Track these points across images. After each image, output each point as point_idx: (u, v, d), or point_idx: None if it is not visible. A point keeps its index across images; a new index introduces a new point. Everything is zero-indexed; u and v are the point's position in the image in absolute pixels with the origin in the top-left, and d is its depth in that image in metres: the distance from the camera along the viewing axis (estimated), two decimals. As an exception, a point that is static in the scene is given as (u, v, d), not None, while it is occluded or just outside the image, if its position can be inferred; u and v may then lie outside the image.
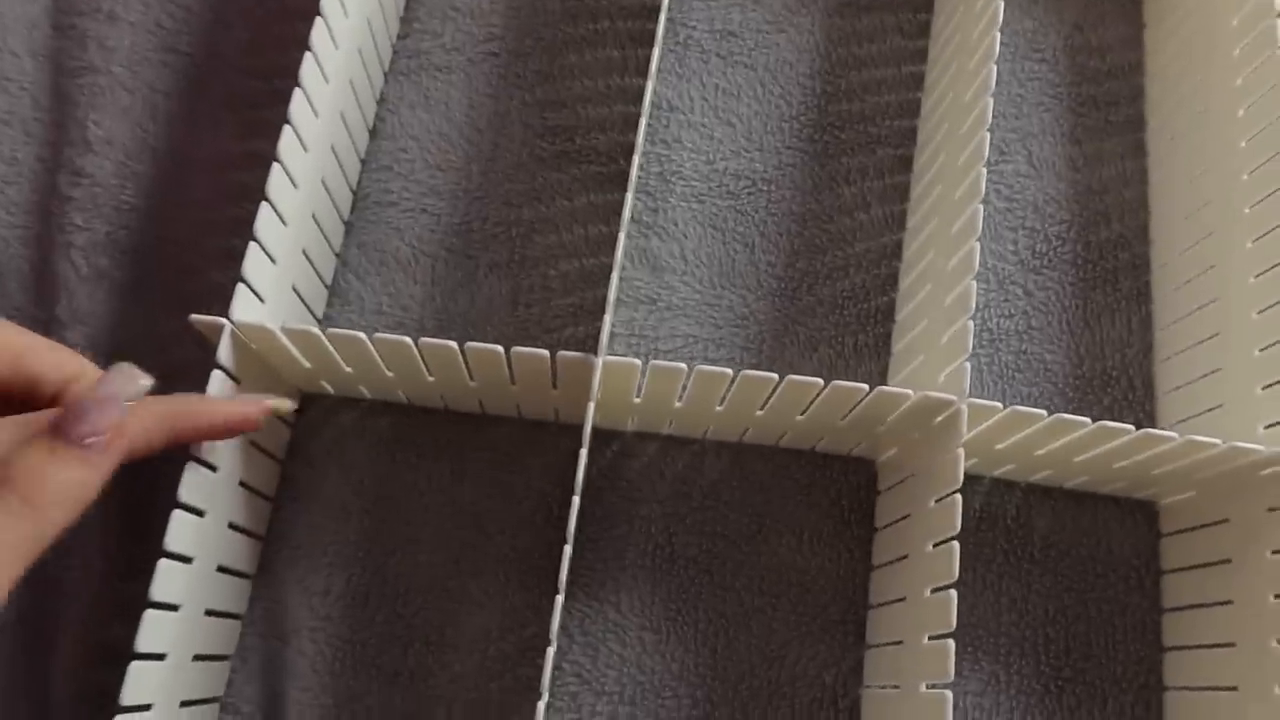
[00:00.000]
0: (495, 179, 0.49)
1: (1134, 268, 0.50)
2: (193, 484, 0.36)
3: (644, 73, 0.51)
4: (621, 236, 0.39)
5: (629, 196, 0.40)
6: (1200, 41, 0.50)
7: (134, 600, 0.42)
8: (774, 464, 0.46)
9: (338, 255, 0.48)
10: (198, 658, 0.39)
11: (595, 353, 0.38)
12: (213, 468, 0.38)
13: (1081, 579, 0.46)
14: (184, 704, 0.39)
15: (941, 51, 0.51)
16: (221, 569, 0.40)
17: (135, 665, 0.34)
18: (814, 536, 0.45)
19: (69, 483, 0.29)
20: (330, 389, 0.45)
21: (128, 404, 0.31)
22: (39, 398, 0.32)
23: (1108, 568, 0.46)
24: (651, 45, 0.51)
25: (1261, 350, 0.42)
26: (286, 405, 0.38)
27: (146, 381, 0.31)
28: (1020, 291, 0.49)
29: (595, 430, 0.44)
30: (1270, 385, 0.41)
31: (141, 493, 0.43)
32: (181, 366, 0.45)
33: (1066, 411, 0.39)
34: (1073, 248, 0.50)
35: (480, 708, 0.42)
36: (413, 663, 0.43)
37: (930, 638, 0.37)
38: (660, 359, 0.44)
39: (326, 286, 0.47)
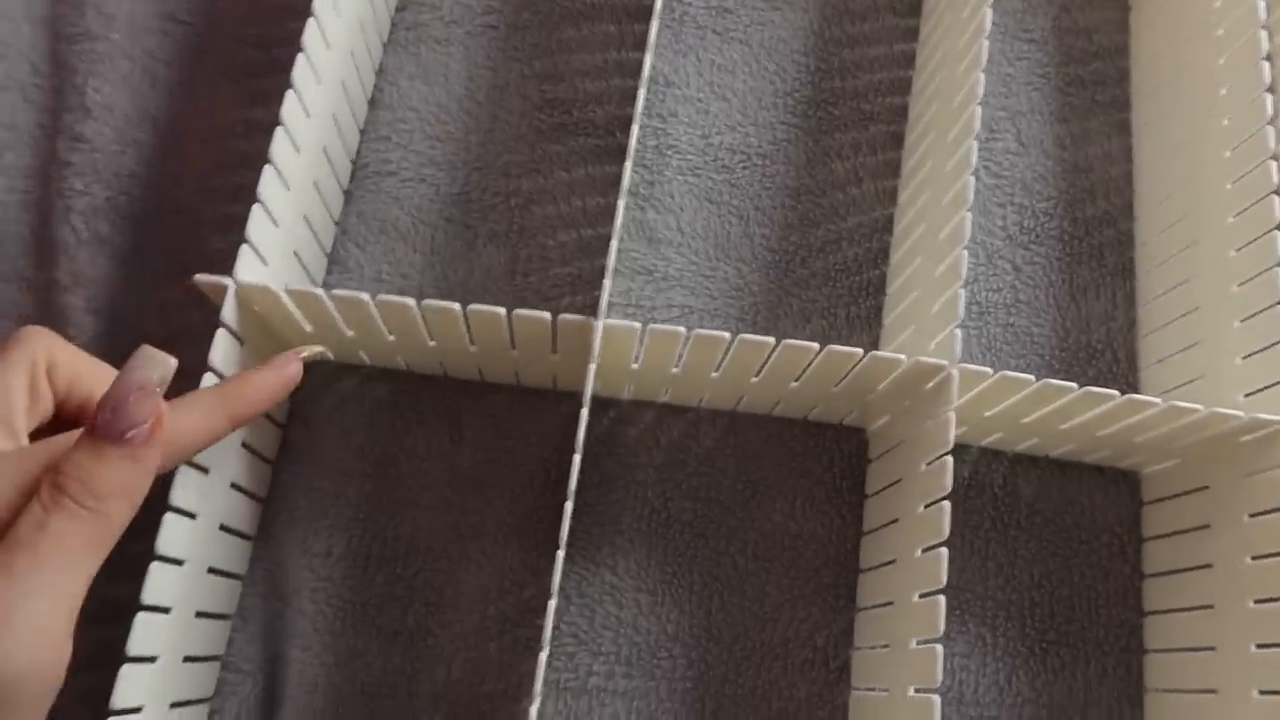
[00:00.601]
0: (494, 150, 0.50)
1: (1118, 244, 0.52)
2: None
3: (640, 47, 0.52)
4: (621, 204, 0.40)
5: (628, 166, 0.41)
6: (1184, 23, 0.51)
7: (139, 558, 0.43)
8: (767, 432, 0.47)
9: (337, 224, 0.48)
10: (200, 614, 0.40)
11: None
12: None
13: (1066, 545, 0.47)
14: (187, 659, 0.39)
15: (933, 30, 0.52)
16: (224, 528, 0.41)
17: (141, 617, 0.35)
18: (806, 503, 0.46)
19: (118, 480, 0.29)
20: (330, 355, 0.46)
21: (169, 398, 0.31)
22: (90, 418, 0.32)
23: (1091, 535, 0.47)
24: (648, 20, 0.52)
25: (1241, 321, 0.43)
26: (318, 349, 0.38)
27: (173, 362, 0.30)
28: (1008, 266, 0.50)
29: (594, 397, 0.45)
30: (1250, 355, 0.43)
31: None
32: (182, 330, 0.45)
33: (1053, 380, 0.40)
34: (1059, 224, 0.51)
35: (479, 666, 0.43)
36: (412, 622, 0.43)
37: (920, 596, 0.38)
38: (657, 327, 0.45)
39: (326, 254, 0.48)
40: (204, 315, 0.45)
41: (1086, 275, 0.51)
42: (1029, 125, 0.53)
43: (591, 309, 0.48)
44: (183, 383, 0.37)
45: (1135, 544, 0.47)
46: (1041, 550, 0.47)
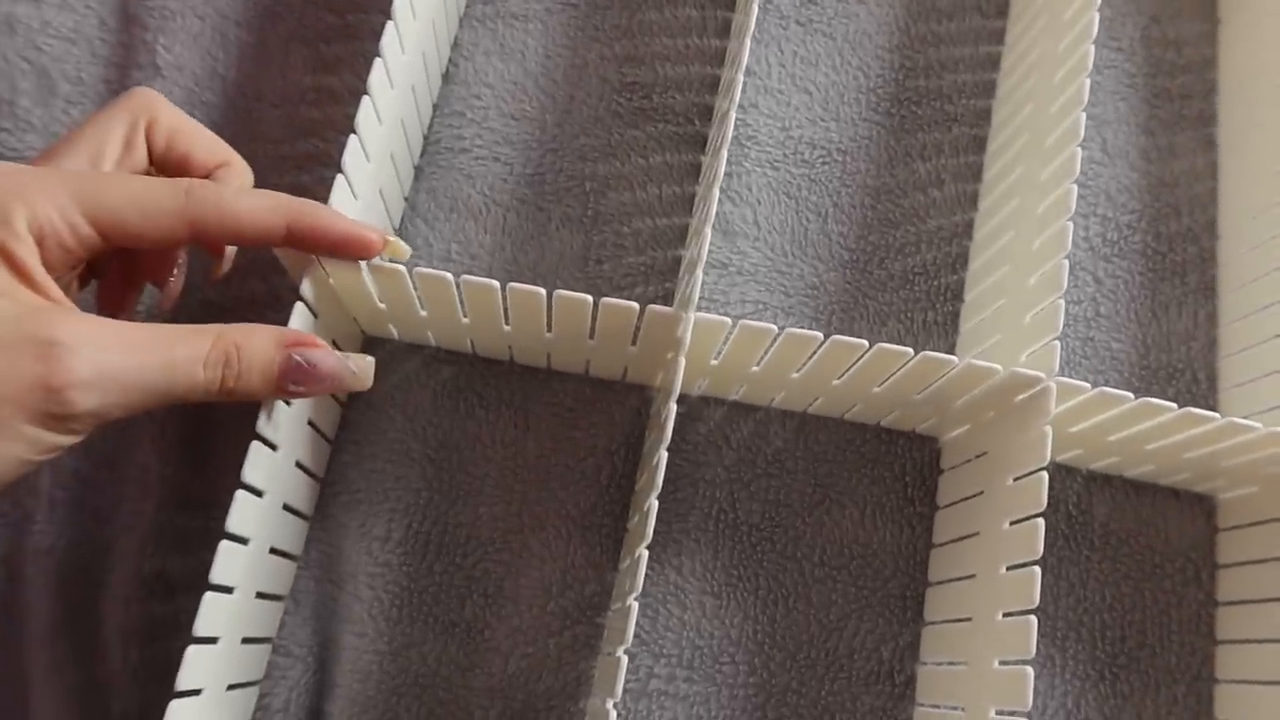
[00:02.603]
0: (570, 131, 0.48)
1: (1201, 262, 0.50)
2: (268, 421, 0.35)
3: (724, 34, 0.51)
4: (714, 192, 0.39)
5: (723, 155, 0.39)
6: (1274, 39, 0.50)
7: (187, 532, 0.42)
8: (838, 436, 0.46)
9: (406, 199, 0.47)
10: (260, 595, 0.38)
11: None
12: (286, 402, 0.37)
13: (1139, 568, 0.46)
14: (245, 640, 0.38)
15: (1023, 33, 0.51)
16: (286, 507, 0.39)
17: (209, 597, 0.33)
18: (876, 511, 0.45)
19: (246, 395, 0.32)
20: (396, 333, 0.45)
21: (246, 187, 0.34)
22: (191, 173, 0.35)
23: (1165, 559, 0.46)
24: (731, 6, 0.51)
25: (1336, 349, 0.42)
26: (404, 249, 0.37)
27: (368, 382, 0.34)
28: (1090, 278, 0.49)
29: (658, 391, 0.44)
30: (1346, 384, 0.41)
31: (198, 426, 0.43)
32: (247, 298, 0.44)
33: (1137, 400, 0.39)
34: (1143, 238, 0.50)
35: (536, 663, 0.42)
36: (469, 614, 0.42)
37: (1005, 614, 0.37)
38: (734, 323, 0.44)
39: (395, 230, 0.46)
40: (267, 285, 0.44)
41: (1169, 292, 0.49)
42: (1115, 135, 0.52)
43: (665, 299, 0.46)
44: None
45: (1209, 570, 0.46)
46: (1114, 572, 0.45)
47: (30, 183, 0.29)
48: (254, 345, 0.32)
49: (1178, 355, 0.48)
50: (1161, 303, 0.49)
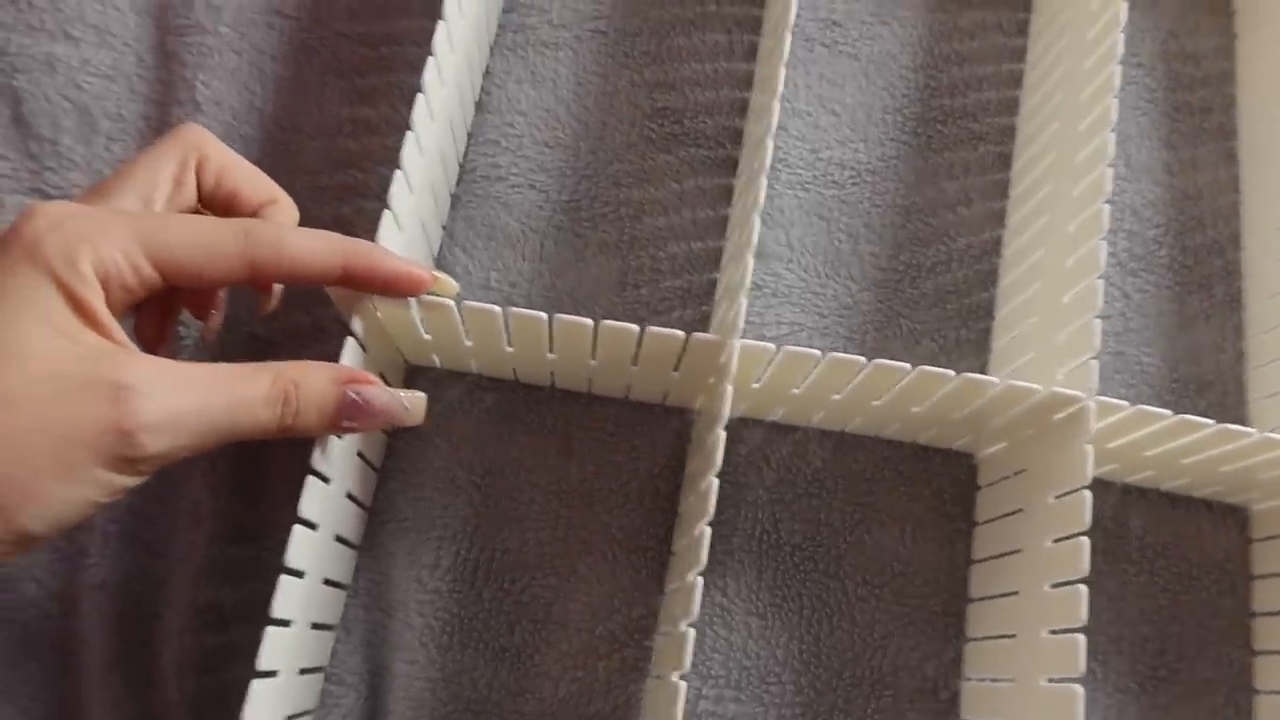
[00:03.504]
0: (604, 158, 0.49)
1: (1227, 274, 0.51)
2: (321, 455, 0.36)
3: (750, 58, 0.51)
4: (754, 219, 0.39)
5: (762, 180, 0.40)
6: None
7: (239, 563, 0.42)
8: (876, 455, 0.46)
9: (444, 228, 0.47)
10: (314, 626, 0.39)
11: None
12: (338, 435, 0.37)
13: (1175, 580, 0.46)
14: (302, 671, 0.38)
15: (1046, 51, 0.52)
16: (337, 538, 0.40)
17: (271, 631, 0.34)
18: (916, 528, 0.45)
19: (303, 432, 0.32)
20: (439, 362, 0.45)
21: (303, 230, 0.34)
22: (239, 210, 0.36)
23: (1200, 570, 0.46)
24: (758, 30, 0.52)
25: (1369, 360, 0.43)
26: (452, 286, 0.38)
27: (420, 418, 0.35)
28: (1119, 293, 0.50)
29: (699, 414, 0.45)
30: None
31: (247, 459, 0.43)
32: (292, 330, 0.45)
33: (1164, 414, 0.40)
34: (1169, 252, 0.51)
35: (586, 687, 0.42)
36: (519, 640, 0.43)
37: (1051, 631, 0.37)
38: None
39: (434, 259, 0.47)
40: (311, 317, 0.45)
41: (1196, 305, 0.50)
42: (1138, 150, 0.52)
43: (701, 322, 0.47)
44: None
45: (1244, 581, 0.47)
46: (1152, 585, 0.46)
47: (95, 225, 0.29)
48: (311, 383, 0.32)
49: (1207, 368, 0.49)
50: (1189, 316, 0.50)
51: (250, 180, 0.36)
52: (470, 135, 0.49)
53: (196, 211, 0.36)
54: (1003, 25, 0.54)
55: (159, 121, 0.47)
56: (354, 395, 0.33)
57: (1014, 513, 0.43)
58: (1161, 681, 0.45)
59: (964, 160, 0.51)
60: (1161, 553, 0.46)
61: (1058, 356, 0.42)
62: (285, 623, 0.35)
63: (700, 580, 0.35)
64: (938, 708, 0.43)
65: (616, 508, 0.44)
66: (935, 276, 0.49)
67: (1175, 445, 0.41)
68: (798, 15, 0.53)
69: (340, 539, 0.41)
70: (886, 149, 0.51)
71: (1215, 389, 0.49)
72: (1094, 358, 0.39)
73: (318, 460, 0.35)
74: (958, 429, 0.44)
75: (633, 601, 0.43)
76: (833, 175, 0.50)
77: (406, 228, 0.41)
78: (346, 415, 0.33)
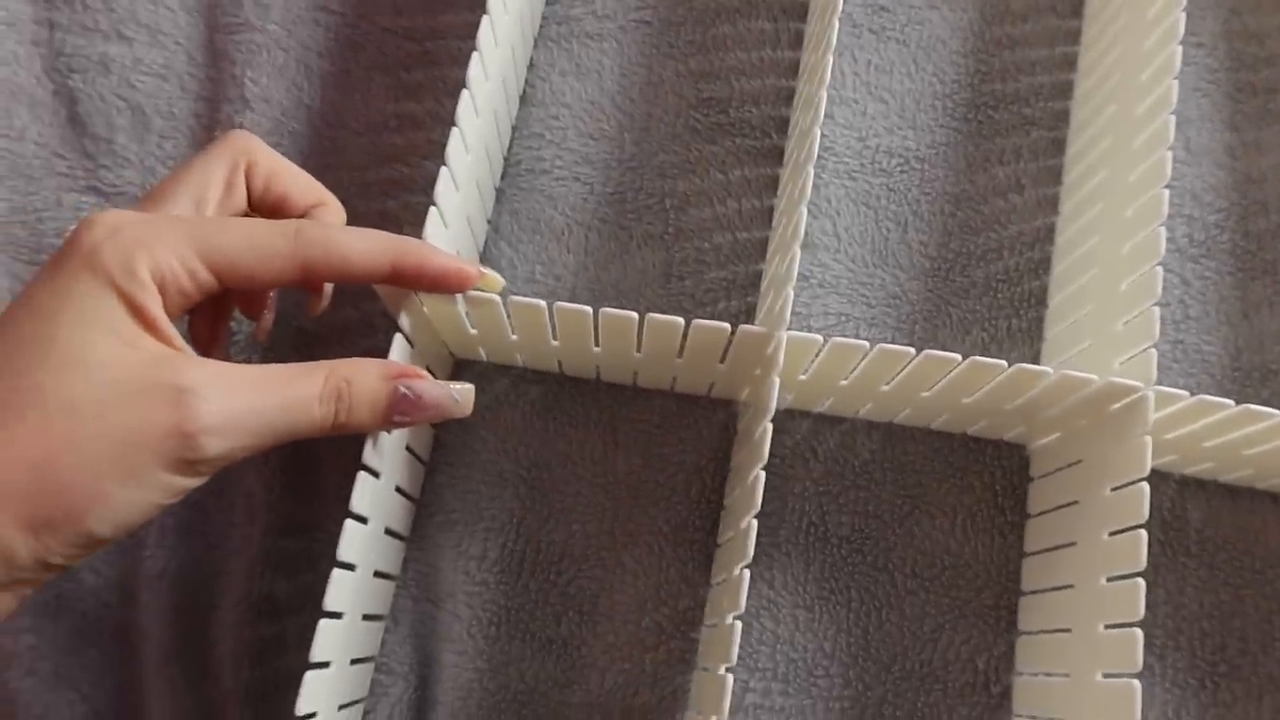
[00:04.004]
0: (649, 149, 0.48)
1: (1292, 260, 0.49)
2: (373, 450, 0.36)
3: (797, 45, 0.51)
4: (802, 210, 0.39)
5: (809, 171, 0.39)
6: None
7: (292, 555, 0.43)
8: (925, 446, 0.46)
9: (489, 222, 0.48)
10: (365, 617, 0.39)
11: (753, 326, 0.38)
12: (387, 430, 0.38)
13: (1237, 574, 0.45)
14: (353, 661, 0.39)
15: (1101, 32, 0.50)
16: (387, 531, 0.40)
17: (324, 624, 0.34)
18: (967, 520, 0.45)
19: (355, 428, 0.33)
20: (484, 355, 0.45)
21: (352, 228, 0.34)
22: (288, 213, 0.36)
23: (1265, 564, 0.45)
24: (803, 17, 0.51)
25: None
26: (498, 281, 0.38)
27: (469, 409, 0.35)
28: (1177, 280, 0.48)
29: (745, 406, 0.44)
30: None
31: (298, 453, 0.44)
32: (340, 325, 0.45)
33: (1226, 404, 0.38)
34: (1230, 236, 0.49)
35: (632, 678, 0.42)
36: (566, 631, 0.43)
37: (1107, 626, 0.37)
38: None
39: (480, 252, 0.47)
40: (359, 312, 0.45)
41: (1260, 292, 0.49)
42: (1198, 134, 0.51)
43: (747, 314, 0.47)
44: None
45: (1310, 575, 0.45)
46: (1212, 579, 0.45)
47: (151, 231, 0.30)
48: (362, 380, 0.32)
49: (1271, 356, 0.48)
50: (1253, 303, 0.48)
51: (298, 183, 0.37)
52: (515, 128, 0.49)
53: (246, 215, 0.36)
54: (1056, 7, 0.53)
55: (209, 119, 0.47)
56: (405, 390, 0.33)
57: (1069, 505, 0.42)
58: (1222, 678, 0.44)
59: (1016, 146, 0.50)
60: (1222, 546, 0.45)
61: (1115, 345, 0.41)
62: (337, 615, 0.36)
63: (747, 573, 0.35)
64: (989, 702, 0.43)
65: (662, 500, 0.44)
66: (985, 265, 0.48)
67: (1237, 436, 0.40)
68: (845, 1, 0.52)
69: (389, 531, 0.41)
70: (936, 136, 0.50)
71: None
72: (1153, 346, 0.38)
73: (369, 455, 0.36)
74: (1010, 420, 0.44)
75: (679, 594, 0.43)
76: (881, 163, 0.49)
77: (452, 224, 0.41)
78: (398, 411, 0.33)
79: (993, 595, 0.44)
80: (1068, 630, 0.40)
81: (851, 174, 0.49)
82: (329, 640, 0.35)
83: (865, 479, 0.45)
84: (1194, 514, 0.46)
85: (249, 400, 0.30)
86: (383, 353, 0.36)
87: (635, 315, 0.37)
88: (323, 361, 0.32)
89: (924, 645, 0.43)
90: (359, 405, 0.32)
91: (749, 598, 0.43)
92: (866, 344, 0.37)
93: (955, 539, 0.45)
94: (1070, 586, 0.40)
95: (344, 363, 0.32)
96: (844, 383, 0.42)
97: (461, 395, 0.35)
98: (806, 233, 0.48)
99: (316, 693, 0.35)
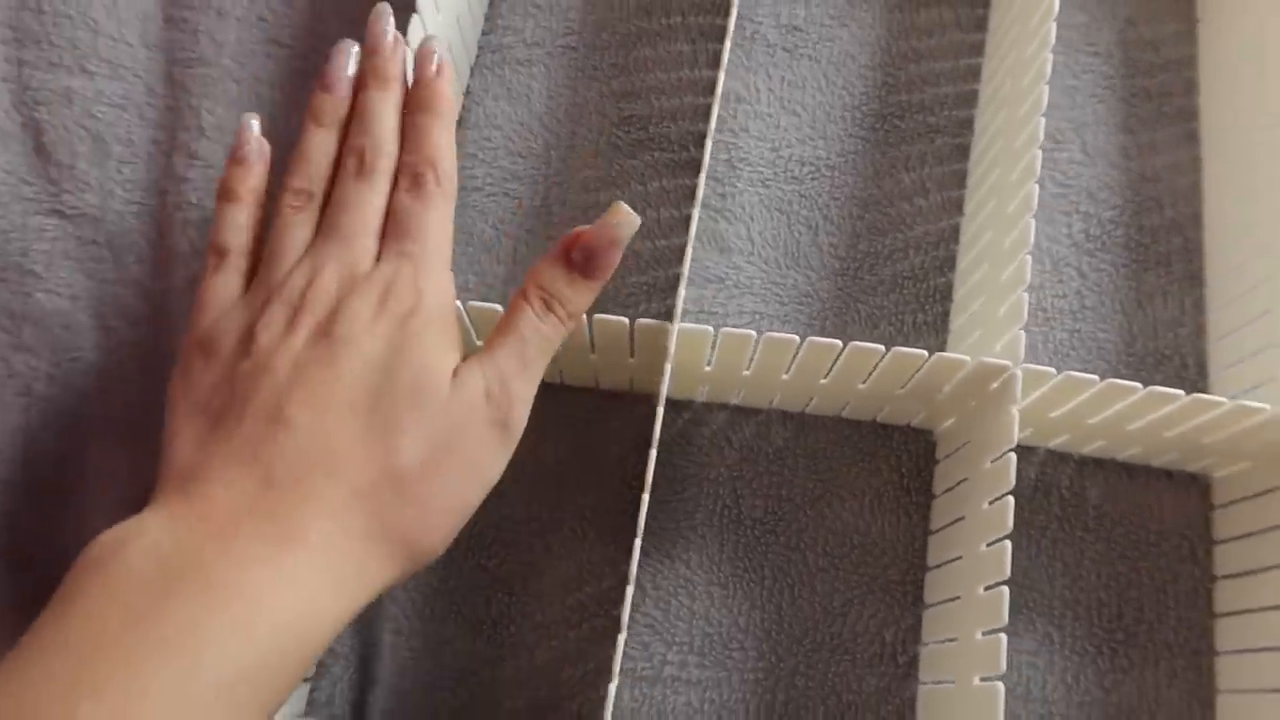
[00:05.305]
0: (574, 165, 0.52)
1: (1186, 252, 0.52)
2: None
3: (714, 65, 0.54)
4: (695, 214, 0.42)
5: (701, 179, 0.43)
6: (1251, 33, 0.52)
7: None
8: (836, 434, 0.49)
9: (426, 234, 0.51)
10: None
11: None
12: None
13: (1134, 548, 0.47)
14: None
15: (999, 43, 0.54)
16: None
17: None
18: (874, 502, 0.48)
19: (586, 303, 0.37)
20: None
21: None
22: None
23: (1159, 537, 0.48)
24: (721, 40, 0.54)
25: (1311, 325, 0.44)
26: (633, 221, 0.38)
27: (638, 220, 0.37)
28: (1074, 273, 0.51)
29: (669, 399, 0.47)
30: (1319, 358, 0.43)
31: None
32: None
33: (1121, 385, 0.41)
34: (1126, 231, 0.52)
35: (559, 654, 0.45)
36: (496, 611, 0.46)
37: (985, 589, 0.39)
38: (729, 331, 0.47)
39: (416, 263, 0.50)
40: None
41: (1154, 282, 0.51)
42: (1094, 136, 0.54)
43: (667, 315, 0.50)
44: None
45: (1205, 547, 0.48)
46: (1109, 552, 0.47)
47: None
48: (548, 278, 0.37)
49: (1165, 341, 0.50)
50: (1146, 292, 0.51)
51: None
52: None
53: None
54: (960, 21, 0.56)
55: (167, 145, 0.51)
56: (579, 256, 0.37)
57: (961, 483, 0.45)
58: (1119, 644, 0.46)
59: (920, 152, 0.53)
60: (1119, 521, 0.48)
61: (996, 331, 0.44)
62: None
63: (638, 544, 0.38)
64: (896, 671, 0.45)
65: (587, 488, 0.47)
66: (892, 264, 0.51)
67: (1113, 412, 0.43)
68: (759, 23, 0.56)
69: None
70: (846, 145, 0.53)
71: (1173, 362, 0.50)
72: (1020, 328, 0.41)
73: None
74: (908, 405, 0.47)
75: (602, 575, 0.46)
76: (793, 171, 0.53)
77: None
78: (590, 274, 0.37)
79: (899, 571, 0.47)
80: (958, 598, 0.42)
81: (765, 182, 0.52)
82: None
83: (779, 465, 0.48)
84: (1092, 491, 0.48)
85: (516, 366, 0.36)
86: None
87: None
88: (517, 291, 0.37)
89: (834, 619, 0.46)
90: (565, 299, 0.37)
91: (667, 577, 0.46)
92: (753, 333, 0.40)
93: (864, 519, 0.47)
94: (959, 557, 0.43)
95: (527, 277, 0.37)
96: (746, 373, 0.45)
97: (620, 219, 0.37)
98: (723, 238, 0.51)
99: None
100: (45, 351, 0.48)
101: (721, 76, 0.44)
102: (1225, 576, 0.47)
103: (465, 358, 0.36)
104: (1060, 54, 0.56)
